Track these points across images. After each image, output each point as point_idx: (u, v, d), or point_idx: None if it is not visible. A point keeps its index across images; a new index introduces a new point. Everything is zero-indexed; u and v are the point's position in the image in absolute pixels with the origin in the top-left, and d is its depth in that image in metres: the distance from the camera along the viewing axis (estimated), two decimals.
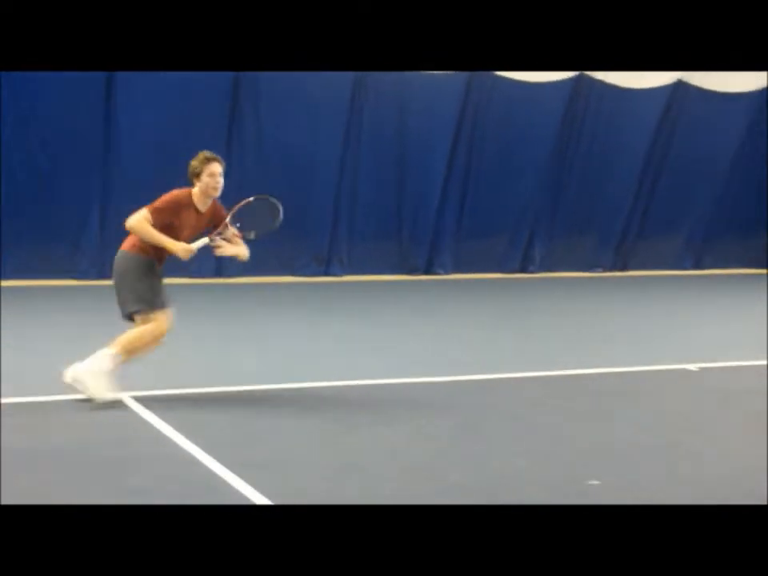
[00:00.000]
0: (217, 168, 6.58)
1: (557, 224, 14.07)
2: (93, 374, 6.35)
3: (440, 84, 12.61)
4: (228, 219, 6.72)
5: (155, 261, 6.61)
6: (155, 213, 6.47)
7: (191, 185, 6.62)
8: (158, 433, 5.84)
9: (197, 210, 6.64)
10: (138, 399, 6.49)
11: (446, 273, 13.53)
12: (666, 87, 13.92)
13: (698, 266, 15.17)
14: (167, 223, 6.50)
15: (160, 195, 6.58)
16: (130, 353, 6.50)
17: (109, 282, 6.70)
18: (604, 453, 5.82)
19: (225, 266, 12.25)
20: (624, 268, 14.69)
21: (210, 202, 6.68)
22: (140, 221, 6.45)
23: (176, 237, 6.54)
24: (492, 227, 13.70)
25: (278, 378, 7.36)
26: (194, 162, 6.61)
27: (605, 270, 14.54)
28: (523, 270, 14.03)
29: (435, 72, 12.31)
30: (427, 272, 13.50)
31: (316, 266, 12.93)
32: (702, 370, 8.08)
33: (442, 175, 13.25)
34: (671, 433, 6.33)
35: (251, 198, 6.84)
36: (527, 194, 13.77)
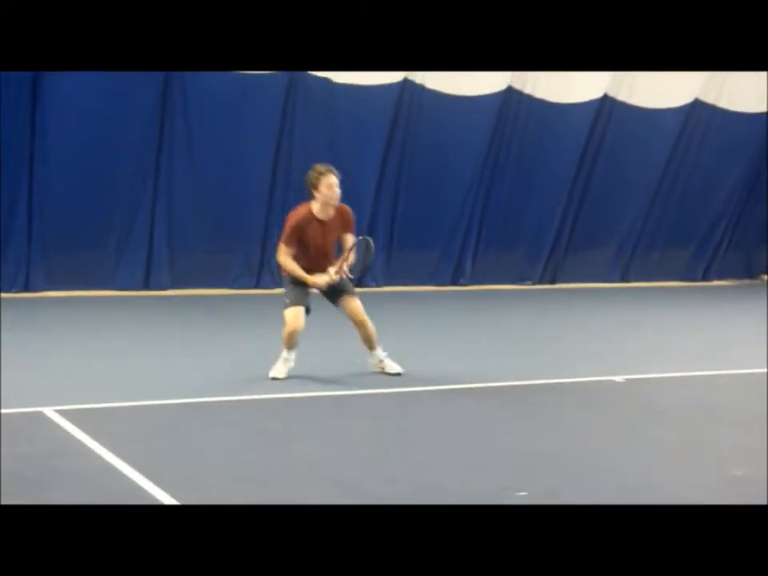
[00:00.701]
0: (333, 179, 7.33)
1: (487, 237, 14.17)
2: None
3: (371, 94, 12.62)
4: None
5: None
6: (288, 241, 7.45)
7: (311, 198, 7.42)
8: (84, 447, 5.74)
9: (320, 221, 7.44)
10: (60, 413, 6.38)
11: (378, 285, 13.54)
12: (594, 102, 14.10)
13: (624, 278, 15.38)
14: (299, 242, 7.43)
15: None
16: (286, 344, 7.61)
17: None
18: (530, 464, 5.86)
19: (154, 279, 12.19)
20: (553, 281, 14.84)
21: (331, 211, 7.40)
22: (283, 258, 7.51)
23: (308, 247, 7.47)
24: (424, 240, 13.74)
25: (205, 391, 7.30)
26: (312, 175, 7.36)
27: (534, 283, 14.67)
28: (455, 282, 14.09)
29: (366, 81, 12.35)
30: (359, 285, 13.48)
31: (248, 278, 12.86)
32: (628, 381, 8.19)
33: (373, 188, 13.27)
34: (596, 444, 6.40)
35: (360, 237, 7.76)
36: (458, 207, 13.83)
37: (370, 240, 7.82)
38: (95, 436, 5.88)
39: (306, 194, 7.65)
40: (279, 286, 12.56)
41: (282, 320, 7.66)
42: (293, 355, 7.68)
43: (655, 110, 14.42)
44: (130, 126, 11.72)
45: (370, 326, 7.74)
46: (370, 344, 7.81)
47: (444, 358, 8.98)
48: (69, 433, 6.00)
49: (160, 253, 12.23)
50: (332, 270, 7.56)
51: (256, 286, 12.87)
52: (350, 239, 7.68)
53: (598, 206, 14.73)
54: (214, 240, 12.50)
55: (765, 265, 16.54)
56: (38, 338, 9.15)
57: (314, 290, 7.78)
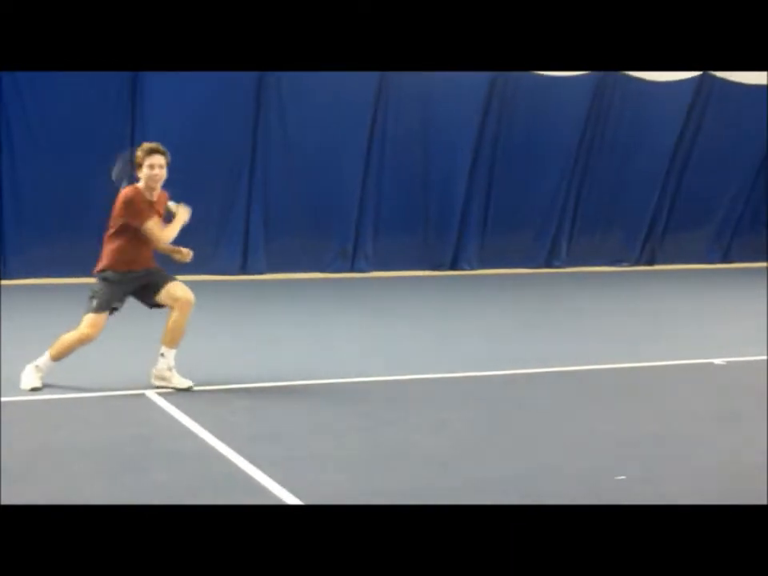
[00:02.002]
0: (157, 159, 6.59)
1: (582, 218, 14.02)
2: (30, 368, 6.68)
3: (463, 81, 12.57)
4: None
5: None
6: (149, 214, 6.60)
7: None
8: (183, 428, 5.88)
9: (148, 201, 6.68)
10: (162, 395, 6.54)
11: (472, 268, 13.51)
12: (691, 81, 13.82)
13: (725, 259, 15.06)
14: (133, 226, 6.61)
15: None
16: (60, 354, 6.71)
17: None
18: (630, 448, 5.80)
19: (251, 263, 12.39)
20: (651, 262, 14.61)
21: (155, 194, 6.70)
22: (156, 230, 6.65)
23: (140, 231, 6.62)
24: (518, 222, 13.66)
25: (303, 374, 7.39)
26: (138, 153, 6.62)
27: (631, 265, 14.47)
28: (549, 264, 13.99)
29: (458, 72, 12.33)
30: (453, 267, 13.49)
31: (342, 262, 12.95)
32: (729, 364, 8.03)
33: (466, 171, 13.24)
34: (696, 427, 6.30)
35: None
36: (553, 189, 13.72)
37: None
38: (197, 418, 6.01)
39: None
40: (374, 269, 13.00)
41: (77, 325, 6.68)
42: (47, 367, 6.70)
43: (754, 86, 14.06)
44: (226, 115, 11.89)
45: (188, 315, 6.82)
46: (175, 338, 6.80)
47: (542, 341, 8.92)
48: (171, 415, 6.14)
49: (257, 238, 12.39)
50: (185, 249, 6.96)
51: (351, 270, 12.97)
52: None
53: (697, 185, 14.45)
54: (309, 223, 12.61)
55: None
56: (142, 322, 9.35)
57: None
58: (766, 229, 15.09)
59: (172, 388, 6.70)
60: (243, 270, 12.43)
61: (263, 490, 4.88)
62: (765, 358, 8.36)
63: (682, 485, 5.14)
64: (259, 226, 12.37)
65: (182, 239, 12.47)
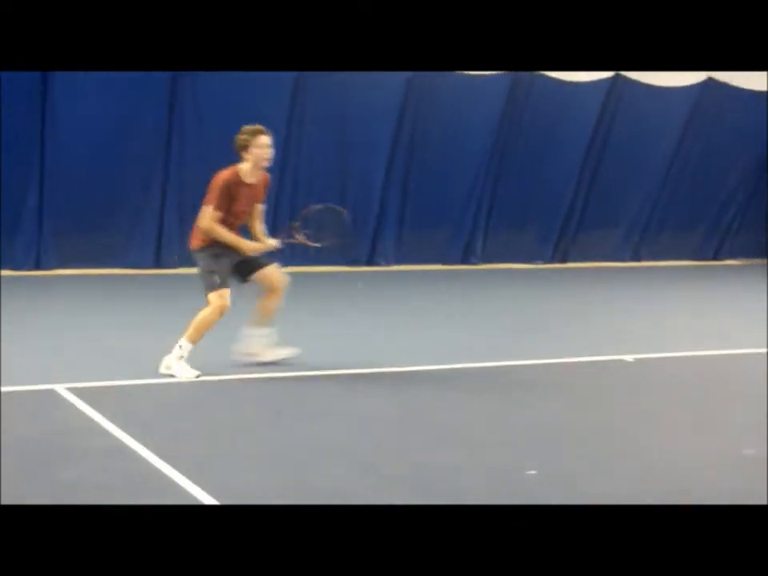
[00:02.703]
0: (266, 139, 6.95)
1: (498, 216, 14.16)
2: (176, 359, 6.97)
3: (381, 80, 12.58)
4: (298, 224, 7.36)
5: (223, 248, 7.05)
6: (219, 204, 6.89)
7: (239, 159, 6.96)
8: (93, 424, 5.77)
9: (246, 184, 7.00)
10: (73, 391, 6.42)
11: (388, 264, 13.55)
12: (605, 81, 14.05)
13: (635, 257, 15.36)
14: (228, 207, 6.92)
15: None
16: (199, 334, 7.03)
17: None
18: (542, 443, 5.87)
19: (165, 257, 12.25)
20: (564, 260, 14.84)
21: (259, 173, 7.06)
22: (209, 222, 6.93)
23: (236, 212, 6.96)
24: (435, 219, 13.74)
25: (218, 369, 7.32)
26: (242, 137, 6.94)
27: (545, 262, 14.67)
28: (465, 261, 14.10)
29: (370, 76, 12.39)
30: (369, 263, 13.51)
31: None
32: (638, 360, 8.19)
33: (383, 168, 13.27)
34: (607, 423, 6.41)
35: (319, 207, 7.51)
36: (469, 187, 13.83)
37: (334, 207, 7.60)
38: (107, 414, 5.91)
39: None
40: (289, 264, 12.91)
41: (205, 302, 7.07)
42: (188, 352, 7.00)
43: (667, 89, 14.36)
44: (140, 106, 11.74)
45: (281, 301, 7.23)
46: (267, 317, 7.26)
47: (453, 338, 8.99)
48: (81, 411, 6.03)
49: (171, 231, 12.26)
50: (271, 239, 7.21)
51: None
52: (261, 208, 7.26)
53: (610, 185, 14.70)
54: None
55: None
56: (49, 316, 9.19)
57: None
58: (673, 228, 15.44)
59: (263, 361, 7.22)
60: (157, 264, 12.28)
61: (176, 487, 4.82)
62: (673, 354, 8.55)
63: (593, 481, 5.22)
64: (174, 221, 12.23)
65: (94, 233, 12.30)
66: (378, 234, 13.51)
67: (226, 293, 7.02)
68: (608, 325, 10.08)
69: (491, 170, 13.91)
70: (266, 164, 7.02)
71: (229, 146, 12.25)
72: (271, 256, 7.47)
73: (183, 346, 6.99)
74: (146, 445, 5.39)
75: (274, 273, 7.26)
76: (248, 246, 7.12)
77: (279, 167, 12.59)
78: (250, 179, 7.02)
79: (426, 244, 13.80)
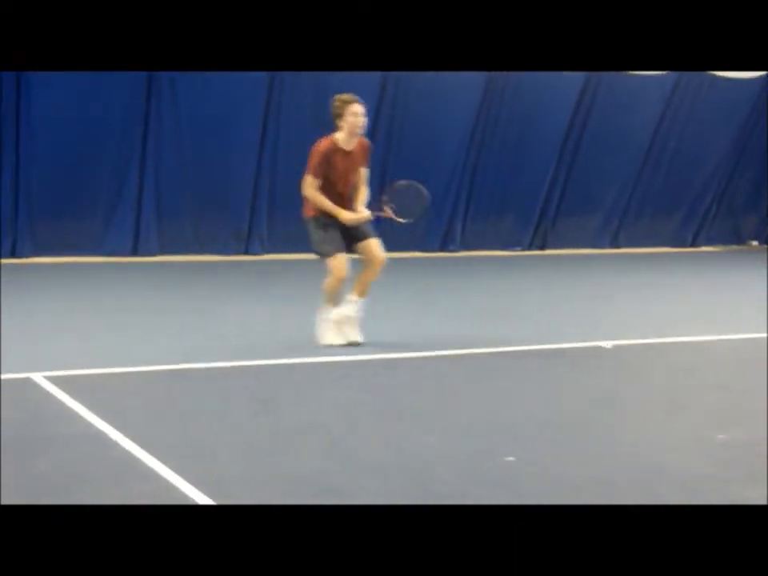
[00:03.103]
0: (359, 108, 7.31)
1: (477, 204, 14.18)
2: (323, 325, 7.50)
3: (357, 80, 12.55)
4: (384, 198, 7.70)
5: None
6: (316, 172, 7.29)
7: (334, 128, 7.34)
8: (71, 412, 5.75)
9: (344, 152, 7.36)
10: (50, 379, 6.39)
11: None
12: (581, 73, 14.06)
13: (614, 244, 15.42)
14: (324, 175, 7.29)
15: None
16: (331, 300, 7.48)
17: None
18: (519, 430, 5.90)
19: (142, 245, 12.23)
20: (543, 247, 14.87)
21: (355, 141, 7.39)
22: (310, 190, 7.33)
23: (334, 179, 7.34)
24: None
25: (195, 357, 7.31)
26: (336, 104, 7.32)
27: (523, 249, 14.70)
28: (443, 248, 14.11)
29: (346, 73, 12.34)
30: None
31: (236, 244, 12.86)
32: (616, 347, 8.23)
33: None
34: (584, 410, 6.45)
35: (404, 182, 7.87)
36: (447, 175, 13.84)
37: (418, 185, 7.97)
38: (84, 402, 5.89)
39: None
40: (268, 252, 12.93)
41: (326, 272, 7.52)
42: (335, 314, 7.49)
43: (644, 77, 14.39)
44: (116, 95, 11.70)
45: (379, 271, 7.66)
46: (364, 290, 7.62)
47: (432, 325, 9.00)
48: (58, 399, 6.01)
49: (148, 219, 12.22)
50: (362, 208, 7.52)
51: (245, 252, 12.89)
52: (365, 173, 7.64)
53: (588, 173, 14.75)
54: (203, 206, 12.51)
55: (753, 231, 16.61)
56: (25, 303, 9.14)
57: None
58: (651, 215, 15.51)
59: (339, 341, 7.53)
60: (134, 252, 12.25)
61: (156, 476, 4.81)
62: (650, 341, 8.60)
63: (570, 467, 5.25)
64: (151, 208, 12.20)
65: (70, 221, 12.26)
66: None
67: (339, 260, 7.38)
68: (586, 311, 10.12)
69: (470, 158, 13.92)
70: (359, 131, 7.35)
71: (204, 134, 12.30)
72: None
73: (324, 314, 7.45)
74: (123, 432, 5.37)
75: (374, 248, 7.56)
76: (344, 216, 7.39)
77: (256, 161, 12.60)
78: (346, 146, 7.36)
79: (404, 232, 13.74)
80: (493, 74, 13.53)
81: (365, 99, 12.99)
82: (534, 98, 13.96)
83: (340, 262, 7.42)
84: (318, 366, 7.25)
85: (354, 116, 7.31)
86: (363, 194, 7.61)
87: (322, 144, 7.37)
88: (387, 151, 13.42)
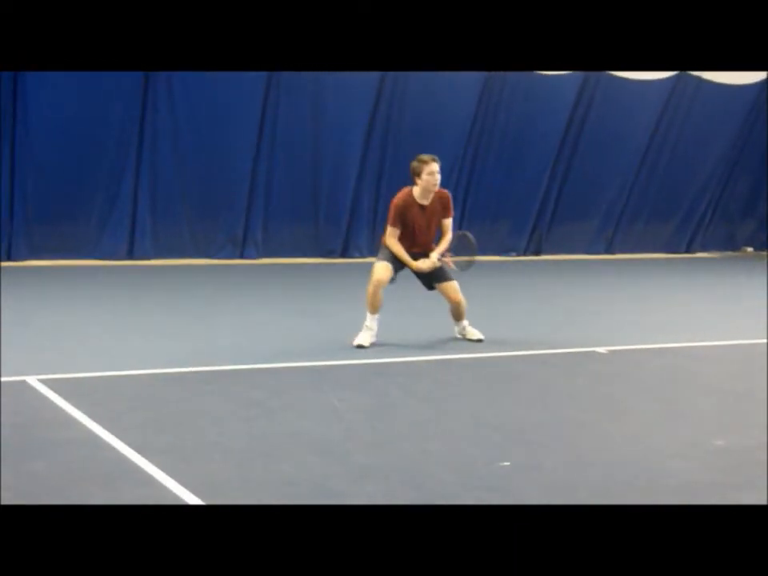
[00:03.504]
0: (434, 167, 7.92)
1: (472, 209, 14.17)
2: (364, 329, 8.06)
3: (353, 78, 12.58)
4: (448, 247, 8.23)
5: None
6: (393, 222, 8.01)
7: (413, 183, 8.03)
8: (66, 416, 5.73)
9: (421, 206, 8.04)
10: (44, 382, 6.36)
11: (362, 256, 13.54)
12: (578, 74, 14.06)
13: (609, 250, 15.43)
14: (403, 224, 8.00)
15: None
16: (369, 305, 8.05)
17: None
18: (515, 435, 5.89)
19: (137, 248, 12.22)
20: (538, 252, 14.88)
21: (431, 196, 8.03)
22: (391, 240, 8.03)
23: (412, 228, 8.03)
24: None
25: (190, 361, 7.29)
26: (414, 164, 7.98)
27: (518, 255, 14.70)
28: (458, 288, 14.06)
29: (348, 75, 12.35)
30: (343, 255, 13.51)
31: (231, 249, 12.85)
32: (611, 352, 8.23)
33: (357, 161, 13.26)
34: (580, 415, 6.44)
35: (459, 232, 8.50)
36: (442, 180, 13.78)
37: (469, 234, 8.55)
38: (79, 405, 5.87)
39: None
40: (263, 256, 12.92)
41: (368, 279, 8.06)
42: (375, 322, 8.00)
43: (641, 82, 14.42)
44: (113, 97, 11.67)
45: (464, 303, 8.29)
46: (458, 317, 8.36)
47: (424, 330, 8.99)
48: (52, 402, 5.99)
49: (143, 222, 12.20)
50: (434, 255, 8.08)
51: (240, 257, 12.88)
52: (447, 223, 8.21)
53: (583, 179, 14.75)
54: (198, 210, 12.50)
55: (748, 237, 16.63)
56: (20, 306, 9.12)
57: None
58: (646, 221, 15.52)
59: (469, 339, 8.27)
60: (130, 255, 12.23)
61: (151, 479, 4.79)
62: (645, 346, 8.60)
63: (566, 472, 5.24)
64: (146, 212, 12.18)
65: (66, 224, 12.24)
66: (352, 227, 13.50)
67: (381, 266, 8.02)
68: (582, 317, 10.12)
69: (465, 163, 13.92)
70: (432, 188, 7.99)
71: (200, 135, 12.25)
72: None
73: (367, 318, 8.02)
74: (118, 436, 5.35)
75: (451, 291, 8.23)
76: (413, 265, 8.09)
77: (252, 164, 12.59)
78: (421, 201, 8.04)
79: None
80: (489, 77, 13.54)
81: (361, 100, 13.23)
82: (530, 102, 13.96)
83: (381, 267, 8.04)
84: (314, 370, 7.24)
85: (430, 175, 7.93)
86: (445, 242, 8.20)
87: (400, 196, 8.09)
88: (383, 155, 13.42)
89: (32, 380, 6.41)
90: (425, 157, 7.98)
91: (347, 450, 5.43)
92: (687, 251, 16.05)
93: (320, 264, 13.12)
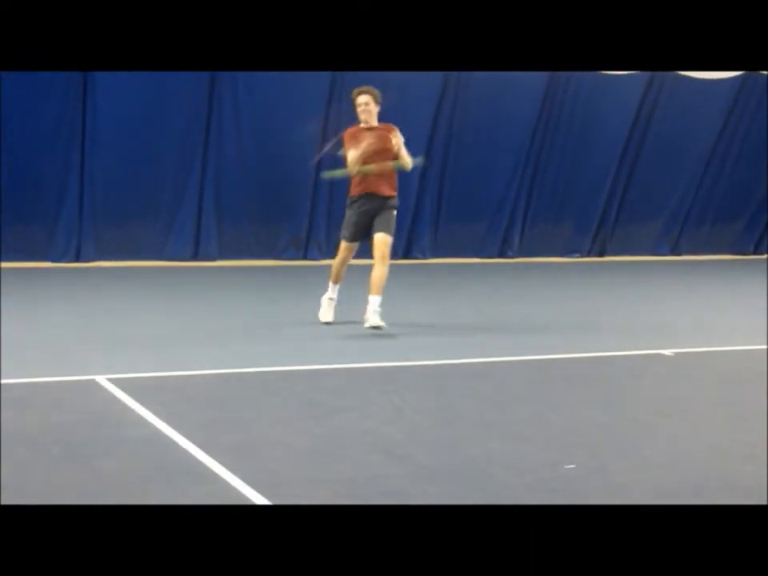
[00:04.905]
0: (361, 98, 8.36)
1: (535, 209, 14.10)
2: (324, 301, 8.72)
3: (414, 80, 12.59)
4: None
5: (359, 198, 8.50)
6: (348, 148, 8.33)
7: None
8: (133, 414, 5.82)
9: (368, 129, 8.37)
10: (113, 381, 6.47)
11: (425, 257, 13.55)
12: (642, 74, 13.92)
13: (674, 251, 15.24)
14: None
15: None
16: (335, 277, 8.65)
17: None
18: (580, 437, 5.85)
19: (203, 250, 12.35)
20: (602, 254, 14.75)
21: (372, 123, 8.41)
22: (349, 155, 8.31)
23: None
24: (471, 212, 13.72)
25: (254, 361, 7.35)
26: (351, 96, 8.49)
27: (582, 256, 14.59)
28: (502, 254, 14.05)
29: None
30: (405, 256, 13.53)
31: (295, 250, 12.94)
32: (677, 355, 8.13)
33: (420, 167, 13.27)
34: (646, 417, 6.37)
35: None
36: (504, 180, 13.78)
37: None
38: (147, 404, 5.96)
39: None
40: (326, 257, 12.97)
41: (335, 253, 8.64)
42: (336, 292, 8.60)
43: (707, 81, 14.23)
44: (178, 99, 11.82)
45: (386, 268, 8.33)
46: (375, 287, 8.30)
47: (491, 330, 8.96)
48: (121, 401, 6.08)
49: (209, 224, 12.34)
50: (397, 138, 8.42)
51: (303, 258, 12.96)
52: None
53: (648, 179, 14.60)
54: (262, 211, 12.59)
55: None
56: (89, 307, 9.27)
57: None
58: (712, 222, 15.30)
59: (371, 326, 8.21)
60: (195, 257, 12.37)
61: (215, 477, 4.85)
62: (711, 349, 8.48)
63: (631, 475, 5.19)
64: (211, 213, 12.32)
65: (132, 225, 12.41)
66: (413, 228, 13.51)
67: (347, 247, 8.55)
68: (647, 319, 10.00)
69: (529, 163, 13.85)
70: (364, 118, 8.40)
71: (264, 139, 12.35)
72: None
73: (329, 289, 8.66)
74: (184, 434, 5.42)
75: (379, 238, 8.41)
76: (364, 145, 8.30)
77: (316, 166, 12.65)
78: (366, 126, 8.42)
79: (461, 238, 13.76)
80: (553, 77, 13.45)
81: (424, 103, 13.17)
82: (594, 102, 13.85)
83: (349, 247, 8.56)
84: (376, 371, 7.26)
85: (357, 106, 8.40)
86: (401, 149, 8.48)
87: (347, 129, 8.53)
88: (445, 157, 13.41)
89: (101, 379, 6.52)
90: (357, 89, 8.50)
91: (409, 451, 5.43)
92: (755, 252, 15.79)
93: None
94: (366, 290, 8.35)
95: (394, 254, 13.36)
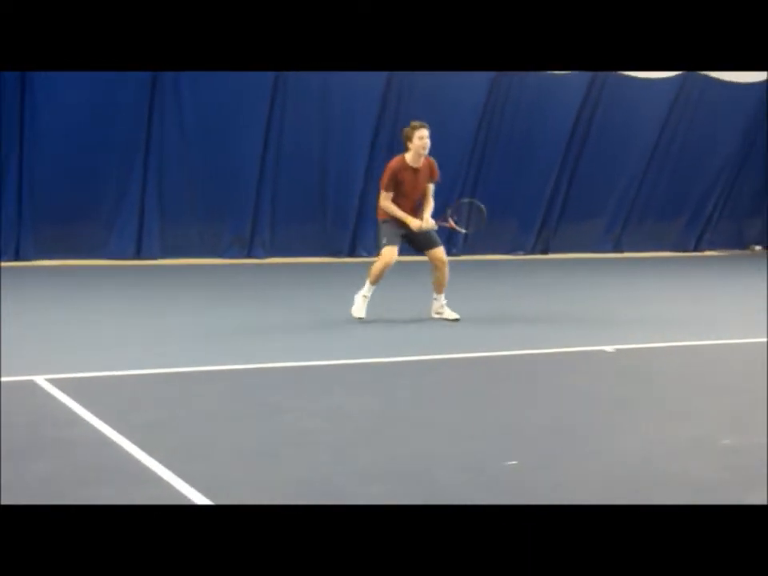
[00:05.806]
0: (425, 132, 8.56)
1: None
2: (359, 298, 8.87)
3: (360, 78, 12.58)
4: (449, 212, 9.23)
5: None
6: (387, 186, 8.60)
7: (404, 149, 8.63)
8: (73, 415, 5.74)
9: (412, 169, 8.64)
10: (52, 382, 6.38)
11: (370, 255, 13.54)
12: (585, 73, 14.04)
13: (616, 248, 15.41)
14: (395, 186, 8.58)
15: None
16: (374, 280, 8.82)
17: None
18: (521, 433, 5.88)
19: (145, 248, 12.23)
20: (545, 251, 14.86)
21: (421, 160, 8.65)
22: (385, 202, 8.64)
23: (404, 190, 8.63)
24: None
25: (198, 360, 7.30)
26: (407, 129, 8.64)
27: (526, 253, 14.69)
28: (447, 252, 14.04)
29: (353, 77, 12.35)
30: (350, 254, 13.51)
31: (239, 249, 12.87)
32: (618, 351, 8.21)
33: (365, 161, 13.26)
34: (586, 413, 6.43)
35: (467, 200, 9.57)
36: (450, 178, 13.81)
37: (478, 203, 9.51)
38: (86, 405, 5.88)
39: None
40: (271, 255, 12.94)
41: (377, 258, 8.89)
42: (371, 291, 8.77)
43: (648, 80, 14.40)
44: (120, 98, 11.70)
45: (447, 271, 8.91)
46: (440, 286, 8.98)
47: (431, 328, 8.98)
48: (60, 402, 5.99)
49: (151, 223, 12.22)
50: (428, 215, 8.74)
51: (247, 256, 12.90)
52: (431, 187, 8.86)
53: (590, 177, 14.74)
54: (205, 209, 12.51)
55: (756, 236, 16.60)
56: (29, 306, 9.14)
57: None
58: (654, 220, 15.50)
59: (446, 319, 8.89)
60: (137, 255, 12.25)
61: (157, 479, 4.79)
62: (654, 345, 8.58)
63: (569, 469, 5.23)
64: (153, 211, 12.20)
65: (74, 224, 12.27)
66: (359, 227, 13.50)
67: (390, 250, 8.68)
68: (589, 315, 10.10)
69: (473, 161, 13.91)
70: (424, 152, 8.61)
71: (208, 139, 12.33)
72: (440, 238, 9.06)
73: (365, 287, 8.76)
74: (124, 435, 5.36)
75: (437, 253, 8.91)
76: (413, 223, 8.65)
77: (259, 164, 12.60)
78: (414, 165, 8.62)
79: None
80: (496, 77, 13.52)
81: (367, 101, 13.21)
82: (537, 101, 13.96)
83: (389, 250, 8.69)
84: (322, 369, 7.24)
85: (420, 139, 8.54)
86: (430, 206, 8.84)
87: (394, 161, 8.68)
88: (389, 154, 13.39)
89: (40, 379, 6.42)
90: (416, 123, 8.63)
91: (353, 450, 5.42)
92: (695, 249, 16.02)
93: (328, 263, 13.12)
94: (431, 290, 9.09)
95: (340, 252, 13.43)
